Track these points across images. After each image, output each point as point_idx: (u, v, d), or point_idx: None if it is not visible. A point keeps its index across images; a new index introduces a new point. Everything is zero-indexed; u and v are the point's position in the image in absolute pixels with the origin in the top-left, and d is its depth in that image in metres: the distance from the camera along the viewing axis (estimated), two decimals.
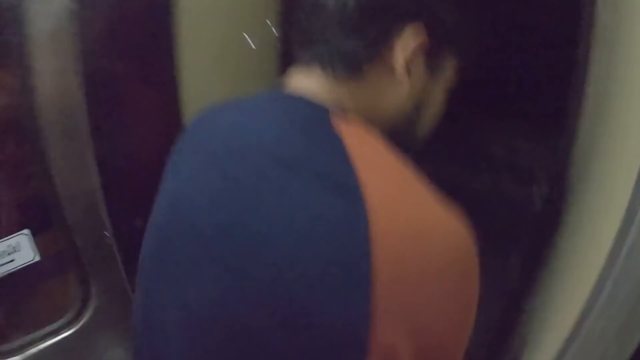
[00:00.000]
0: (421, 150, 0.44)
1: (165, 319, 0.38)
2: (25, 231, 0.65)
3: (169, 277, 0.38)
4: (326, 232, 0.30)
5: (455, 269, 0.31)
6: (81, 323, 0.72)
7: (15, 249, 0.65)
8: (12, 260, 0.65)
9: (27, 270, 0.66)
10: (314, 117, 0.35)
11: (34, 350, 0.69)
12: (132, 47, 0.67)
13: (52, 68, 0.59)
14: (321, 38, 0.37)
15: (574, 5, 0.46)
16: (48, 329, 0.71)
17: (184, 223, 0.37)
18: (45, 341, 0.70)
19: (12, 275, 0.65)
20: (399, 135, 0.40)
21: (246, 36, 0.71)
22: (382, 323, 0.29)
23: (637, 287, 0.38)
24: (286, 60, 0.72)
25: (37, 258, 0.66)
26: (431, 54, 0.38)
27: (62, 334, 0.71)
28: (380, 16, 0.36)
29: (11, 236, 0.64)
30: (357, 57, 0.36)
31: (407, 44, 0.36)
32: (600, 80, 0.45)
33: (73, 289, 0.73)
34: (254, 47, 0.72)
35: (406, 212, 0.31)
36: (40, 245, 0.66)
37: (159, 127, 0.72)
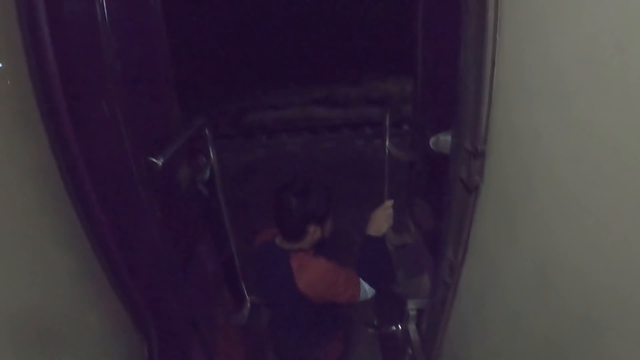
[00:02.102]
0: None
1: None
2: None
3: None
4: (285, 278, 1.44)
5: (326, 277, 1.43)
6: None
7: None
8: None
9: None
10: (284, 255, 1.46)
11: None
12: None
13: None
14: (287, 228, 1.44)
15: None
16: None
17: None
18: None
19: None
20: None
21: None
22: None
23: None
24: None
25: None
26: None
27: None
28: (307, 222, 1.40)
29: None
30: (300, 235, 1.43)
31: (316, 227, 1.43)
32: None
33: None
34: None
35: (308, 271, 1.43)
36: None
37: None
